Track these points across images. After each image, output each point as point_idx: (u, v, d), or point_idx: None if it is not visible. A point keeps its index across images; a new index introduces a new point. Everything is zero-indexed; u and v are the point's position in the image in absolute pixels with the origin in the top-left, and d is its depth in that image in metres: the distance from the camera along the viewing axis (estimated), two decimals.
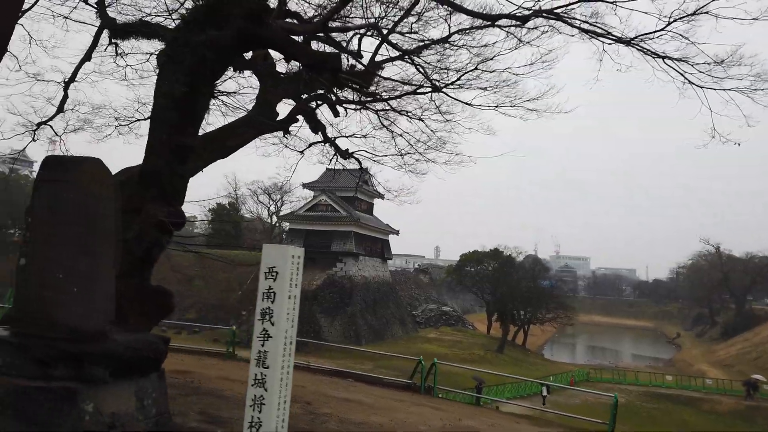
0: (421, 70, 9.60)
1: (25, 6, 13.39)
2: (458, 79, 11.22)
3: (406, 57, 11.19)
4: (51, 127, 15.31)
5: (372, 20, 8.07)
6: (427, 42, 9.80)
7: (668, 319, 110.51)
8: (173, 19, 13.24)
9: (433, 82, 10.82)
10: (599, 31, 7.87)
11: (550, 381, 34.37)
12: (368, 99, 12.27)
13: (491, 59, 11.34)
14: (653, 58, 7.60)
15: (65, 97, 14.65)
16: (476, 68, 11.35)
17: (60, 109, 14.81)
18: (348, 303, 47.61)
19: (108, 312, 3.60)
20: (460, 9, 7.77)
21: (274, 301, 3.23)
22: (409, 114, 13.64)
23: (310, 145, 16.25)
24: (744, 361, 57.48)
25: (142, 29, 12.38)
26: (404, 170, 15.56)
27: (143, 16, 13.48)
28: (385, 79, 11.70)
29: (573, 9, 8.09)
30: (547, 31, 10.45)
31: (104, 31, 13.87)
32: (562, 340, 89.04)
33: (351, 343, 43.82)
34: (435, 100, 13.14)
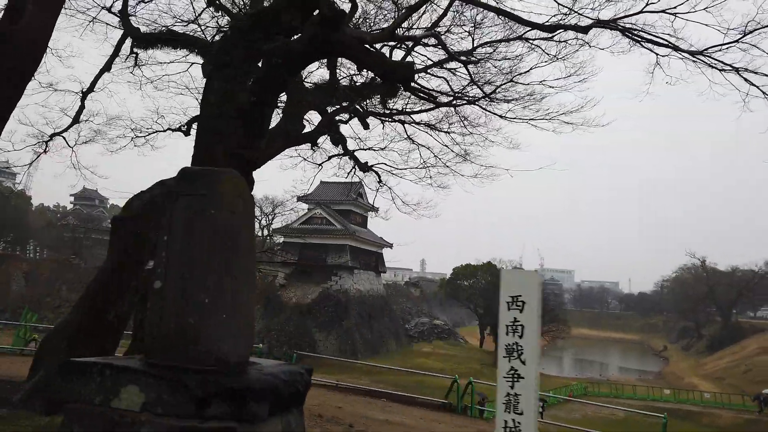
0: (470, 79, 9.35)
1: None
2: (494, 91, 11.04)
3: (443, 69, 11.02)
4: (64, 138, 14.86)
5: (431, 29, 7.83)
6: (473, 55, 9.58)
7: (654, 332, 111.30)
8: (202, 30, 12.94)
9: (465, 92, 10.61)
10: (662, 42, 7.75)
11: (549, 395, 34.16)
12: (400, 111, 12.03)
13: (527, 72, 11.21)
14: (720, 71, 7.49)
15: (82, 107, 14.20)
16: (512, 80, 11.20)
17: (76, 120, 14.34)
18: (343, 317, 47.05)
19: (251, 339, 3.26)
20: (520, 20, 7.59)
21: (522, 336, 2.87)
22: (435, 127, 13.46)
23: (330, 157, 15.97)
24: (734, 375, 57.83)
25: (168, 38, 12.07)
26: (426, 183, 15.31)
27: (171, 25, 13.16)
28: (418, 92, 11.46)
29: (629, 21, 7.99)
30: (584, 44, 10.38)
31: (125, 41, 13.56)
32: (551, 353, 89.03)
33: (347, 358, 43.21)
34: (459, 112, 12.99)
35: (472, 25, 10.15)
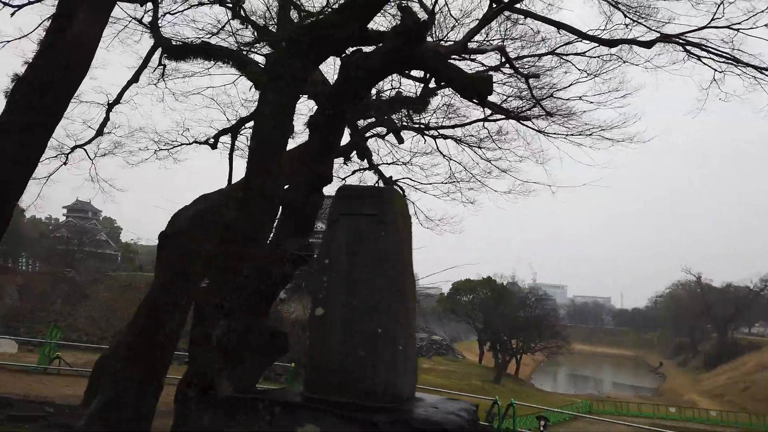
0: (530, 94, 9.21)
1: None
2: (534, 105, 10.90)
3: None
4: (85, 150, 14.55)
5: (498, 42, 7.70)
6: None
7: (649, 348, 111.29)
8: (237, 43, 12.74)
9: (515, 106, 10.51)
10: (724, 58, 7.66)
11: (556, 410, 33.89)
12: (439, 126, 11.87)
13: (567, 87, 11.10)
14: None
15: (106, 119, 13.93)
16: (551, 95, 11.08)
17: (99, 132, 14.05)
18: None
19: (416, 373, 3.01)
20: (581, 34, 7.47)
21: None
22: (462, 140, 13.32)
23: (354, 172, 15.77)
24: (733, 392, 57.75)
25: (202, 50, 11.87)
26: (452, 198, 15.13)
27: (204, 36, 12.95)
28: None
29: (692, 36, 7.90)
30: (624, 61, 10.29)
31: (155, 53, 13.35)
32: (546, 369, 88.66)
33: None
34: (487, 126, 12.86)
35: (523, 38, 10.08)
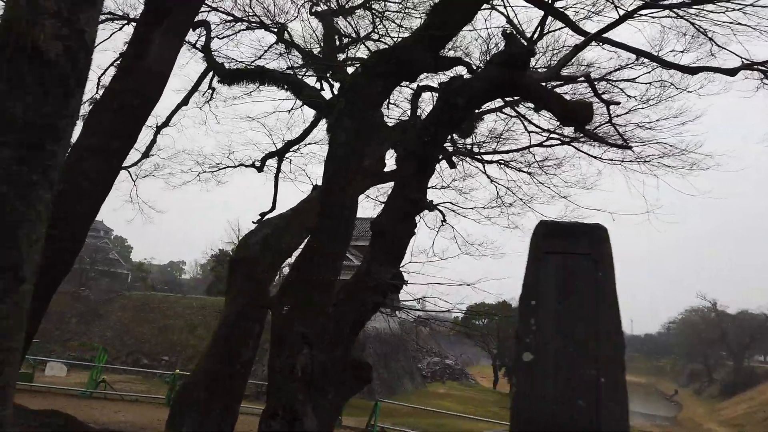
0: (608, 119, 9.11)
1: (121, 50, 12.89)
2: (593, 129, 10.81)
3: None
4: (129, 172, 14.59)
5: (585, 69, 7.64)
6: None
7: (661, 375, 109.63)
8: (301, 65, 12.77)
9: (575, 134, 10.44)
10: None
11: None
12: (489, 151, 11.82)
13: (624, 114, 11.02)
14: None
15: (153, 141, 14.00)
16: (609, 122, 10.99)
17: (146, 154, 14.11)
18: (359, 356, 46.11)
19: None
20: (663, 62, 7.40)
21: None
22: (510, 165, 13.24)
23: None
24: (754, 421, 56.59)
25: (257, 74, 11.91)
26: (493, 222, 15.00)
27: (255, 60, 13.01)
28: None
29: None
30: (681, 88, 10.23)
31: (206, 76, 13.42)
32: None
33: (364, 398, 42.18)
34: (533, 152, 12.78)
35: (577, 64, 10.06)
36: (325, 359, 6.51)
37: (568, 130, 11.58)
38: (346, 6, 15.00)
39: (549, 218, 12.66)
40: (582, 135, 10.94)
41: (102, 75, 13.04)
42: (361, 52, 16.01)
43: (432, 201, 16.15)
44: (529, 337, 2.61)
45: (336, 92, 12.14)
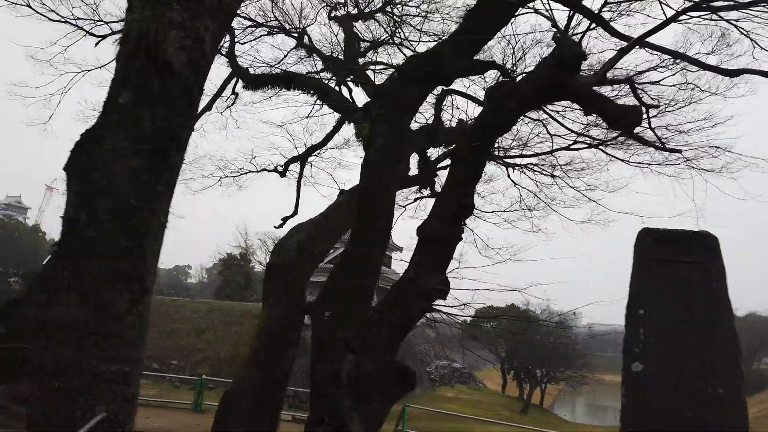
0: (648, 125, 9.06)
1: None
2: (619, 135, 10.75)
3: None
4: None
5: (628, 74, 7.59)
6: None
7: None
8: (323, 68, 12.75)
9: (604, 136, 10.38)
10: None
11: None
12: (514, 155, 11.78)
13: (654, 116, 10.93)
14: None
15: None
16: (648, 125, 10.90)
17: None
18: None
19: None
20: (702, 65, 7.35)
21: None
22: (535, 169, 13.18)
23: (416, 199, 15.66)
24: (765, 425, 56.22)
25: (282, 79, 11.88)
26: (514, 226, 14.94)
27: (277, 64, 12.99)
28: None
29: None
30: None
31: (230, 81, 13.41)
32: (565, 399, 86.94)
33: None
34: (556, 155, 12.72)
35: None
36: (370, 365, 6.46)
37: (595, 133, 11.55)
38: (365, 11, 14.99)
39: (575, 221, 12.53)
40: (613, 138, 10.90)
41: None
42: (381, 56, 15.96)
43: None
44: (638, 347, 2.56)
45: (369, 97, 12.09)
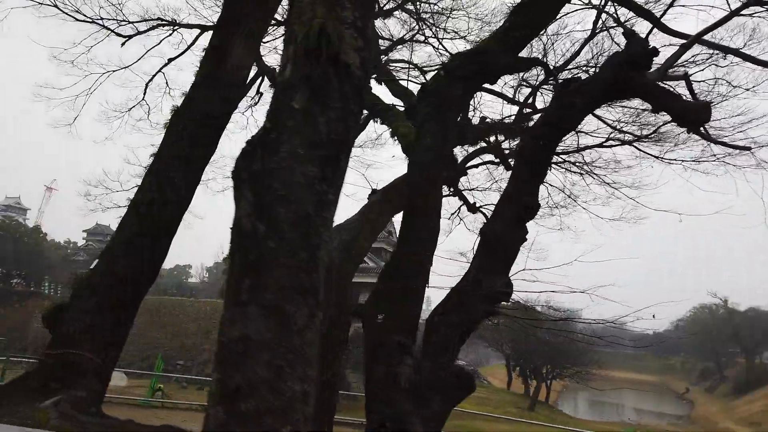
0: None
1: (173, 53, 12.79)
2: (656, 130, 10.68)
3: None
4: None
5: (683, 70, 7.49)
6: None
7: (672, 373, 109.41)
8: None
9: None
10: None
11: None
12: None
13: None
14: None
15: None
16: (671, 121, 10.84)
17: None
18: None
19: None
20: (755, 61, 7.26)
21: None
22: (563, 166, 13.11)
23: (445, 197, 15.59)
24: None
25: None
26: (538, 224, 14.87)
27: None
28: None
29: None
30: None
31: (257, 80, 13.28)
32: (567, 395, 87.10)
33: None
34: (583, 153, 12.64)
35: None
36: (430, 369, 6.37)
37: (628, 130, 11.46)
38: (384, 8, 14.88)
39: (605, 218, 12.39)
40: (645, 136, 10.82)
41: (149, 82, 12.93)
42: (401, 54, 15.83)
43: (475, 203, 16.02)
44: None
45: (394, 95, 12.00)
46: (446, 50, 14.51)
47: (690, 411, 75.56)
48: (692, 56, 9.87)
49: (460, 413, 32.32)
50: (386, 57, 14.55)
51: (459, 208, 15.90)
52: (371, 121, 13.47)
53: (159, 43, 12.33)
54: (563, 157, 11.88)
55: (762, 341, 79.19)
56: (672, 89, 6.11)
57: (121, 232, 6.98)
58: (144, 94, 13.04)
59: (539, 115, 12.63)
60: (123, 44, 11.55)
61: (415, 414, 6.06)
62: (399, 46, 15.57)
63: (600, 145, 11.31)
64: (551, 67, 8.29)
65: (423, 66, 15.17)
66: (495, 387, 64.84)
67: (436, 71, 7.79)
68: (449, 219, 16.31)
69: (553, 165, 13.14)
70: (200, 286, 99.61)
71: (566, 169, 12.94)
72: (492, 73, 8.00)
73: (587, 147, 11.25)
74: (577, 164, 12.30)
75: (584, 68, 9.56)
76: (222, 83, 7.68)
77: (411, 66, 15.20)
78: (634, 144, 10.96)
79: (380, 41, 15.01)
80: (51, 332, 6.90)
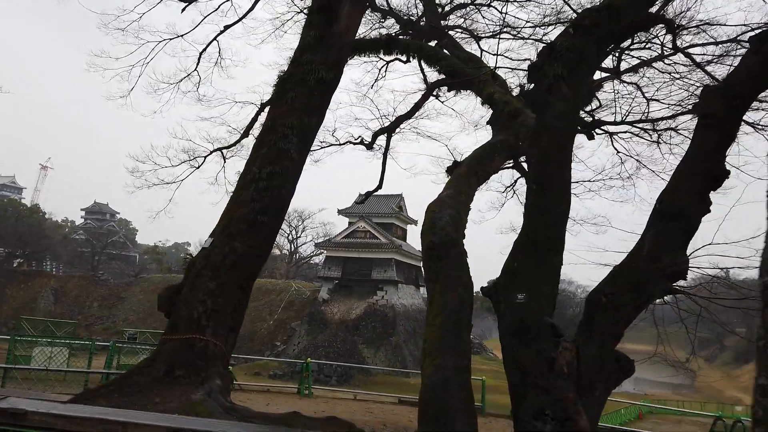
0: None
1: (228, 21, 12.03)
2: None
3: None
4: (222, 152, 13.83)
5: None
6: None
7: (669, 343, 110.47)
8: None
9: None
10: None
11: (621, 414, 33.33)
12: (630, 121, 11.20)
13: None
14: None
15: (255, 119, 13.18)
16: None
17: (245, 134, 13.29)
18: (391, 333, 45.94)
19: None
20: None
21: None
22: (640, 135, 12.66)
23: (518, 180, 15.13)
24: None
25: (385, 44, 11.12)
26: (599, 196, 14.48)
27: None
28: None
29: None
30: None
31: None
32: None
33: (398, 375, 42.14)
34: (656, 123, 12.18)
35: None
36: (593, 353, 5.95)
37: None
38: None
39: None
40: None
41: (203, 51, 12.28)
42: (455, 19, 15.09)
43: None
44: None
45: (543, 54, 11.47)
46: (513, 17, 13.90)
47: (692, 380, 76.59)
48: None
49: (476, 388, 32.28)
50: (446, 22, 13.86)
51: (516, 181, 15.47)
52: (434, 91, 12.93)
53: (216, 9, 11.66)
54: (629, 126, 11.39)
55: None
56: None
57: (239, 208, 6.46)
58: (197, 63, 12.38)
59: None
60: (183, 10, 10.86)
61: (578, 402, 5.67)
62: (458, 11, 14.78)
63: (690, 112, 10.79)
64: (675, 25, 7.75)
65: (478, 33, 14.53)
66: (500, 360, 65.04)
67: (564, 29, 7.21)
68: (503, 192, 15.88)
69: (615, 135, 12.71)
70: None
71: (645, 138, 12.47)
72: (624, 32, 7.50)
73: (672, 116, 10.75)
74: (646, 131, 11.83)
75: (707, 25, 8.96)
76: (333, 45, 7.12)
77: (466, 32, 14.55)
78: None
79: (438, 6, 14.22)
80: (166, 315, 6.44)
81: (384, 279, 47.88)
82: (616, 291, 5.68)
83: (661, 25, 7.90)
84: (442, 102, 13.79)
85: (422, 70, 13.50)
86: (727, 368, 75.39)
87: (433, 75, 12.70)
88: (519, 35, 13.54)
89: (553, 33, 12.59)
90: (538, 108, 7.21)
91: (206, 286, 6.23)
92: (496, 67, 10.86)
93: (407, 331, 48.19)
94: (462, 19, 14.91)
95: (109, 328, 49.59)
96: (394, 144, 13.36)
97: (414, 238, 56.50)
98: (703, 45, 9.04)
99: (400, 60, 12.31)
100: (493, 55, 13.69)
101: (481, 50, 14.43)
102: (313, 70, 6.89)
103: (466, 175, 10.12)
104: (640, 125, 11.51)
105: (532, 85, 7.22)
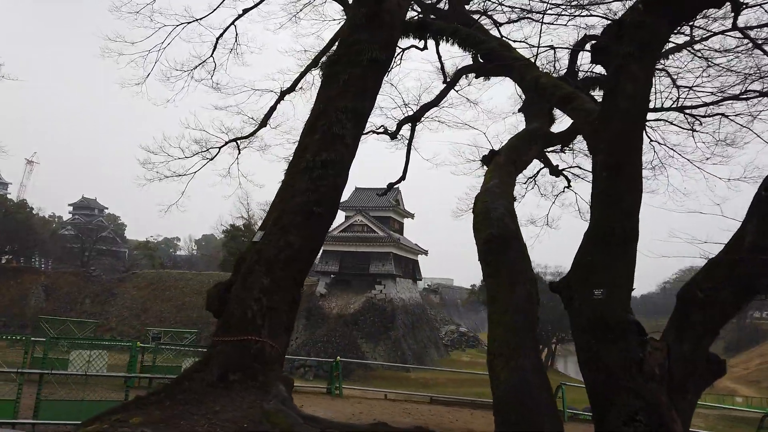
0: None
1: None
2: None
3: None
4: (237, 143, 13.27)
5: None
6: None
7: (660, 333, 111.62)
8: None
9: None
10: None
11: None
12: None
13: None
14: None
15: (273, 108, 12.62)
16: None
17: (263, 123, 12.73)
18: (390, 327, 45.55)
19: None
20: None
21: None
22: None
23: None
24: None
25: (417, 28, 10.62)
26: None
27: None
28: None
29: None
30: None
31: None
32: (559, 358, 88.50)
33: (397, 369, 41.80)
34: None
35: None
36: (687, 353, 5.55)
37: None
38: None
39: (723, 179, 11.47)
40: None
41: (220, 36, 11.69)
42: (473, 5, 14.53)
43: (558, 166, 15.05)
44: None
45: (610, 31, 11.06)
46: None
47: None
48: None
49: (465, 379, 32.09)
50: (469, 6, 13.34)
51: (538, 171, 15.03)
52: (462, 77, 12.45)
53: None
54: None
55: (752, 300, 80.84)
56: None
57: (291, 198, 5.96)
58: (213, 49, 11.80)
59: None
60: None
61: (672, 406, 5.27)
62: None
63: (735, 98, 10.39)
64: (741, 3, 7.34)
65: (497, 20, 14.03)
66: None
67: (632, 4, 6.80)
68: (524, 184, 15.44)
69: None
70: (193, 259, 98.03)
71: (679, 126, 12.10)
72: (694, 7, 7.08)
73: (718, 101, 10.35)
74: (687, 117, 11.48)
75: None
76: (385, 23, 6.62)
77: (485, 16, 14.06)
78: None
79: None
80: (216, 315, 5.95)
81: (382, 273, 47.43)
82: (714, 285, 5.28)
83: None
84: (457, 91, 13.31)
85: (440, 58, 13.01)
86: None
87: (449, 63, 12.25)
88: (543, 20, 13.11)
89: (581, 19, 12.12)
90: (606, 90, 6.78)
91: (260, 283, 5.73)
92: (537, 54, 10.35)
93: (406, 325, 47.85)
94: (482, 3, 14.43)
95: (103, 325, 48.60)
96: (403, 133, 12.85)
97: (411, 232, 56.16)
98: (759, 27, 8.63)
99: (416, 47, 11.85)
100: (513, 41, 13.25)
101: (502, 37, 13.97)
102: (365, 50, 6.39)
103: (505, 165, 9.67)
104: (687, 111, 11.11)
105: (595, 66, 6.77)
